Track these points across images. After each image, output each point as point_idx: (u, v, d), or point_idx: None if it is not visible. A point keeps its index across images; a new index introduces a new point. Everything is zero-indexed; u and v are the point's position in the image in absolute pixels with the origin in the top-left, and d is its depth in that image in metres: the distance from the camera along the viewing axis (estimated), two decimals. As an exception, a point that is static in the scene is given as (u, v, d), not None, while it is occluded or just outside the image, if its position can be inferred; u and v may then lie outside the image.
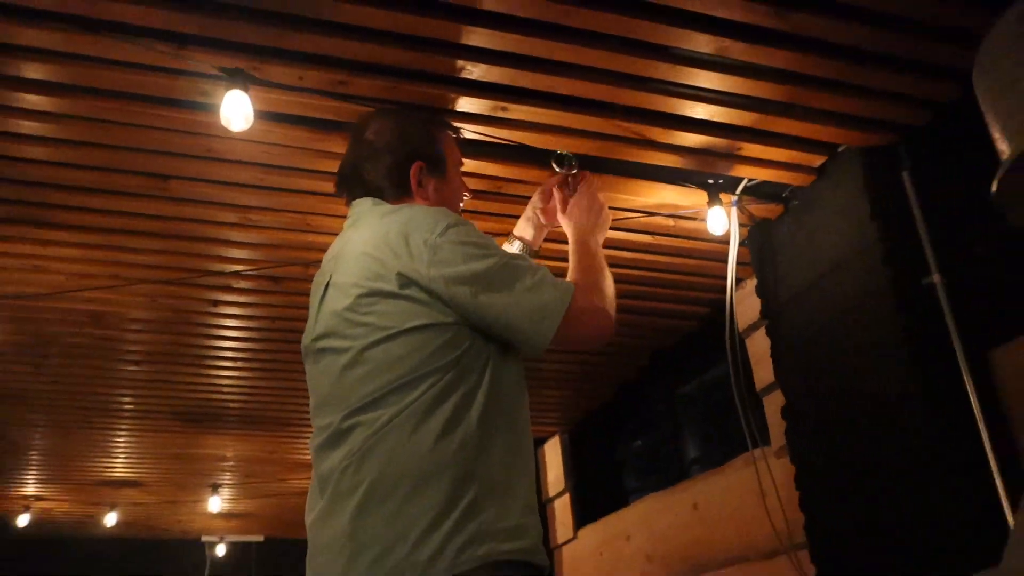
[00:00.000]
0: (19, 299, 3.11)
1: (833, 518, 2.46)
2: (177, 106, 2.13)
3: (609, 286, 1.77)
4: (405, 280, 1.59)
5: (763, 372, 2.94)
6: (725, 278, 2.74)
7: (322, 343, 1.70)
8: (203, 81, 2.01)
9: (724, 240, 2.69)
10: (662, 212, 2.74)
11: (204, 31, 1.88)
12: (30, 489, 5.88)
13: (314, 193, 2.56)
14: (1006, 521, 1.92)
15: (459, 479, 1.49)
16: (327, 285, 1.76)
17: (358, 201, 1.85)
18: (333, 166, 1.88)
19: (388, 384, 1.56)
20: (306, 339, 1.80)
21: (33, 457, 5.20)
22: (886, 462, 2.24)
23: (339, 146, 2.05)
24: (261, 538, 7.77)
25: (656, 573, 3.70)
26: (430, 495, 1.48)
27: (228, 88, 1.96)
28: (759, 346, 2.96)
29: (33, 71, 2.00)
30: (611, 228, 2.73)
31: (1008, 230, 1.08)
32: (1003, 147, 0.80)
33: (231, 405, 4.41)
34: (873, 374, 2.31)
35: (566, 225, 2.02)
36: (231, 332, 3.54)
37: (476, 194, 2.50)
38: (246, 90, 1.97)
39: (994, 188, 0.81)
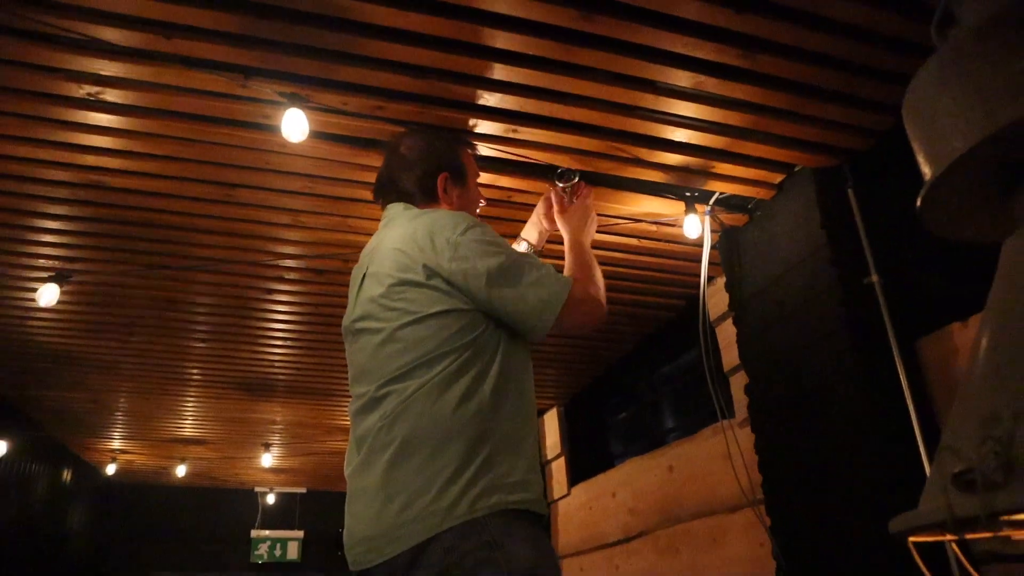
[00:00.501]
0: (111, 286, 3.13)
1: (786, 477, 2.43)
2: (241, 126, 2.14)
3: (600, 279, 1.77)
4: (430, 272, 1.60)
5: (730, 356, 2.91)
6: (699, 276, 2.72)
7: (360, 324, 1.71)
8: (264, 105, 2.02)
9: (698, 244, 2.67)
10: (646, 219, 2.73)
11: (264, 64, 1.89)
12: (116, 444, 5.89)
13: (353, 200, 2.56)
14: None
15: (475, 440, 1.50)
16: (364, 275, 1.76)
17: (391, 205, 1.85)
18: (370, 177, 1.88)
19: (416, 359, 1.57)
20: (346, 321, 1.80)
21: (119, 417, 5.19)
22: (830, 431, 2.22)
23: (376, 160, 2.04)
24: (304, 490, 7.77)
25: (636, 524, 3.67)
26: (450, 453, 1.48)
27: (287, 108, 1.97)
28: (727, 333, 2.93)
29: (120, 97, 2.01)
30: (602, 232, 2.77)
31: (934, 239, 1.08)
32: (926, 170, 0.81)
33: (281, 377, 4.41)
34: (821, 358, 2.28)
35: (563, 228, 2.01)
36: (281, 315, 3.54)
37: (490, 202, 2.51)
38: (302, 108, 1.99)
39: (918, 203, 0.83)
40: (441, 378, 1.55)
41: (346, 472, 1.70)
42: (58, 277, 2.94)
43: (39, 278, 3.02)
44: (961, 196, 0.79)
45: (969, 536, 0.67)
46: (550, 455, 4.91)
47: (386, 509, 1.49)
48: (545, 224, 2.13)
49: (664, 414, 4.17)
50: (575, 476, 4.56)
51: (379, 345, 1.63)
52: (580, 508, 4.36)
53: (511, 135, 2.21)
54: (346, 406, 5.00)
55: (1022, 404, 0.59)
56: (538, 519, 1.56)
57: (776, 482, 2.49)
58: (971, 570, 0.82)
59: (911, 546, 0.72)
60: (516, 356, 1.67)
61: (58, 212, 2.60)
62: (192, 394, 4.70)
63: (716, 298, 3.04)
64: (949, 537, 0.82)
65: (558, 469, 4.74)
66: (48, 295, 2.89)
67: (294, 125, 1.98)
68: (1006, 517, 0.54)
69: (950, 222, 0.84)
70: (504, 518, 1.47)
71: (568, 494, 4.55)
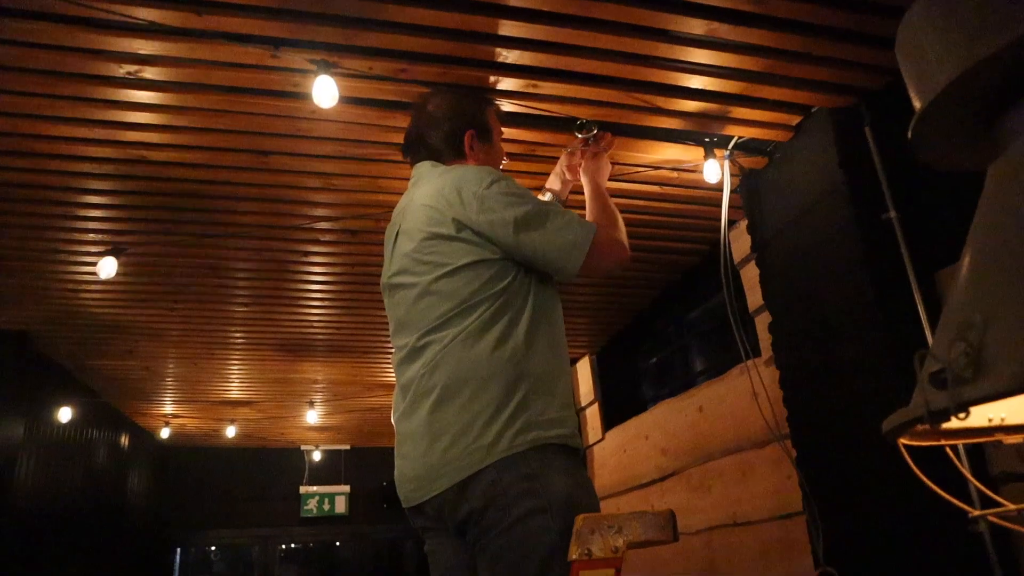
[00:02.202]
0: (156, 256, 3.25)
1: (810, 411, 2.50)
2: (273, 95, 2.21)
3: (622, 224, 1.80)
4: (460, 225, 1.65)
5: (754, 296, 2.94)
6: (720, 220, 2.74)
7: (396, 279, 1.76)
8: (294, 74, 2.09)
9: (718, 188, 2.68)
10: (667, 166, 2.76)
11: (292, 34, 1.95)
12: (168, 408, 6.07)
13: (382, 160, 2.62)
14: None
15: (511, 381, 1.56)
16: (398, 233, 1.81)
17: (419, 164, 1.90)
18: (397, 138, 1.94)
19: (451, 310, 1.63)
20: (384, 277, 1.87)
21: (169, 383, 5.36)
22: (852, 365, 2.27)
23: (402, 121, 2.09)
24: (348, 446, 7.93)
25: (669, 464, 3.75)
26: (489, 394, 1.55)
27: (317, 75, 2.02)
28: (750, 275, 2.95)
29: (157, 74, 2.09)
30: (624, 180, 2.82)
31: (950, 174, 1.13)
32: (916, 104, 0.87)
33: (320, 337, 4.50)
34: (841, 294, 2.32)
35: (584, 177, 2.05)
36: (318, 276, 3.62)
37: (514, 156, 2.57)
38: (331, 75, 2.04)
39: (909, 136, 0.88)
40: (476, 325, 1.61)
41: (393, 419, 1.77)
42: (115, 251, 3.07)
43: (90, 252, 3.16)
44: (948, 127, 0.85)
45: (943, 426, 0.74)
46: (584, 402, 4.98)
47: (432, 449, 1.58)
48: (568, 175, 2.17)
49: (693, 357, 4.23)
50: (609, 421, 4.63)
51: (416, 298, 1.69)
52: (615, 452, 4.45)
53: (532, 90, 2.25)
54: (385, 362, 5.17)
55: (993, 312, 0.66)
56: (574, 453, 1.64)
57: (800, 416, 2.56)
58: (978, 484, 0.89)
59: (900, 447, 0.80)
60: (546, 302, 1.72)
61: (105, 187, 2.71)
62: (237, 357, 4.85)
63: (739, 241, 3.06)
64: (944, 442, 0.90)
65: (592, 415, 4.82)
66: (108, 268, 3.04)
67: (324, 91, 2.04)
68: (973, 408, 0.61)
69: (939, 152, 0.89)
70: (542, 452, 1.55)
71: (603, 439, 4.64)
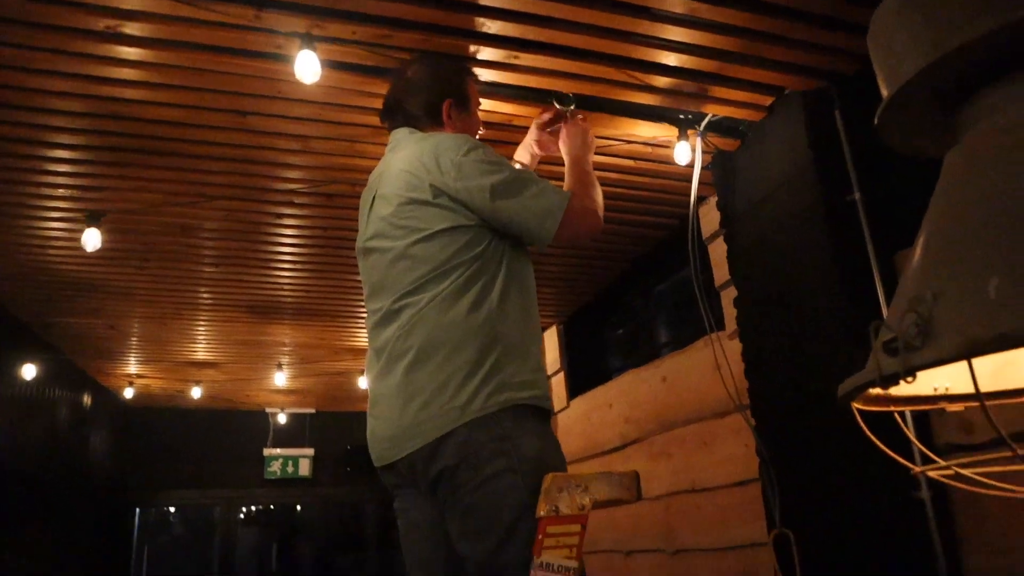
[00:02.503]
0: (127, 213, 3.22)
1: (770, 383, 2.59)
2: (254, 57, 2.20)
3: (598, 194, 1.83)
4: (437, 191, 1.67)
5: (721, 272, 3.01)
6: (690, 196, 2.81)
7: (372, 243, 1.78)
8: (276, 36, 2.09)
9: (691, 165, 2.74)
10: (641, 141, 2.80)
11: (277, -4, 1.94)
12: (132, 368, 6.00)
13: (362, 125, 2.61)
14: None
15: (485, 344, 1.60)
16: (374, 197, 1.83)
17: (397, 130, 1.91)
18: (378, 104, 1.94)
19: (427, 274, 1.66)
20: (359, 241, 1.88)
21: (135, 343, 5.30)
22: (812, 340, 2.36)
23: (383, 88, 2.05)
24: (313, 410, 7.92)
25: (632, 432, 3.84)
26: (463, 356, 1.59)
27: (300, 49, 2.03)
28: (718, 251, 3.02)
29: (137, 29, 2.07)
30: (598, 153, 2.84)
31: (914, 160, 1.19)
32: (883, 91, 0.93)
33: (289, 299, 4.48)
34: (805, 271, 2.40)
35: (563, 149, 2.08)
36: (291, 239, 3.62)
37: (491, 126, 2.58)
38: (314, 50, 2.05)
39: (875, 122, 0.94)
40: (452, 290, 1.64)
41: (368, 380, 1.81)
42: (92, 218, 3.03)
43: (59, 208, 3.12)
44: (911, 115, 0.91)
45: (893, 392, 0.82)
46: (550, 370, 5.04)
47: (407, 409, 1.62)
48: (536, 149, 2.20)
49: (659, 329, 4.30)
50: (574, 390, 4.70)
51: (392, 262, 1.72)
52: (579, 419, 4.53)
53: (512, 61, 2.27)
54: (353, 327, 5.18)
55: (941, 289, 0.73)
56: (545, 414, 1.70)
57: (761, 387, 2.65)
58: (921, 447, 0.97)
59: (854, 410, 0.87)
60: (520, 268, 1.76)
61: (78, 143, 2.68)
62: (204, 318, 4.80)
63: (708, 217, 3.13)
64: (893, 408, 0.98)
65: (557, 384, 4.89)
66: (92, 239, 3.02)
67: (307, 67, 2.05)
68: (920, 372, 0.68)
69: (903, 138, 0.96)
70: (513, 414, 1.60)
71: (567, 407, 4.72)
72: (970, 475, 0.88)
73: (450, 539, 1.66)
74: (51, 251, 3.61)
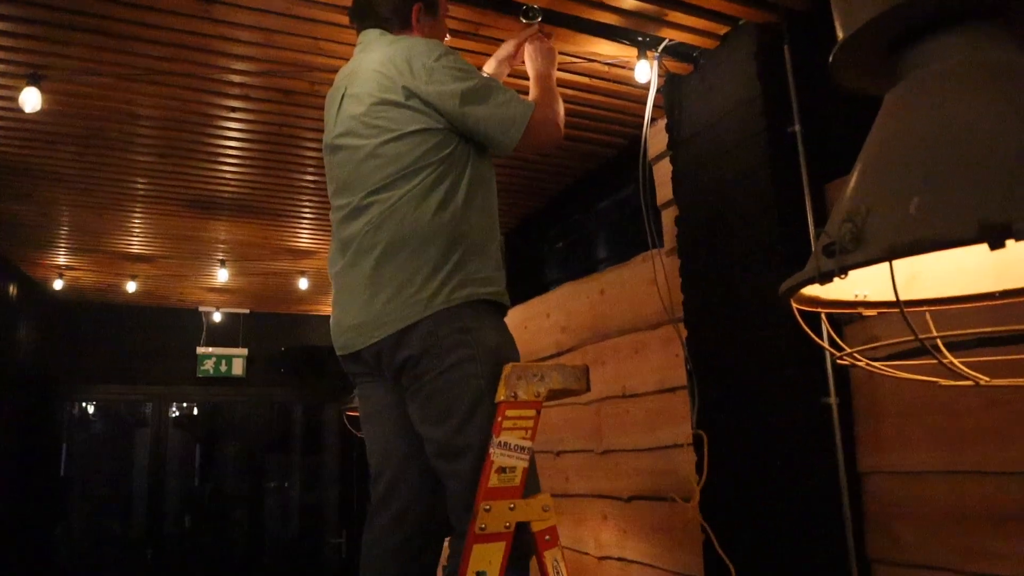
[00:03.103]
0: (71, 96, 3.12)
1: (704, 297, 2.77)
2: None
3: (560, 107, 1.93)
4: (409, 93, 1.75)
5: (664, 191, 3.13)
6: (642, 116, 2.89)
7: (340, 140, 1.85)
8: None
9: (645, 87, 2.83)
10: (601, 60, 2.87)
11: None
12: (63, 260, 5.84)
13: (326, 23, 2.59)
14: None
15: (450, 242, 1.72)
16: (343, 96, 1.92)
17: (366, 31, 1.96)
18: (345, 1, 1.96)
19: (396, 173, 1.75)
20: (326, 138, 1.95)
21: (66, 232, 5.15)
22: (745, 258, 2.53)
23: None
24: (248, 310, 7.89)
25: (568, 340, 4.00)
26: (430, 252, 1.71)
27: None
28: (663, 171, 3.12)
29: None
30: (559, 70, 2.91)
31: (852, 98, 1.31)
32: (839, 33, 1.05)
33: (231, 195, 4.41)
34: (743, 195, 2.55)
35: (528, 63, 2.18)
36: (241, 134, 3.57)
37: (458, 34, 2.60)
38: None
39: (829, 62, 1.07)
40: (420, 189, 1.74)
41: (331, 272, 1.91)
42: (34, 78, 2.88)
43: (-1, 82, 2.99)
44: (862, 57, 1.04)
45: (820, 292, 0.98)
46: (489, 281, 5.16)
47: (374, 300, 1.73)
48: (504, 67, 2.29)
49: (598, 245, 4.45)
50: (512, 299, 4.79)
51: (362, 160, 1.79)
52: (516, 328, 4.50)
53: (482, -30, 2.29)
54: (296, 228, 5.17)
55: (873, 205, 0.87)
56: (503, 310, 1.86)
57: (694, 302, 2.84)
58: (836, 339, 1.14)
59: (794, 309, 1.03)
60: (483, 172, 1.87)
61: (20, 15, 2.56)
62: (141, 210, 4.69)
63: (656, 139, 3.20)
64: (821, 310, 1.14)
65: (497, 293, 5.01)
66: (31, 100, 2.87)
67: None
68: (852, 271, 0.83)
69: (852, 78, 1.09)
70: (475, 308, 1.75)
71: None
72: (880, 367, 1.06)
73: (410, 422, 1.81)
74: (-15, 130, 3.47)
